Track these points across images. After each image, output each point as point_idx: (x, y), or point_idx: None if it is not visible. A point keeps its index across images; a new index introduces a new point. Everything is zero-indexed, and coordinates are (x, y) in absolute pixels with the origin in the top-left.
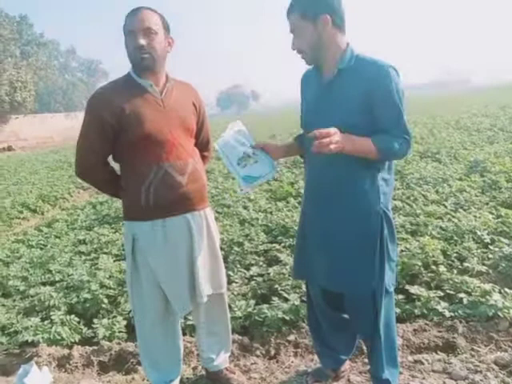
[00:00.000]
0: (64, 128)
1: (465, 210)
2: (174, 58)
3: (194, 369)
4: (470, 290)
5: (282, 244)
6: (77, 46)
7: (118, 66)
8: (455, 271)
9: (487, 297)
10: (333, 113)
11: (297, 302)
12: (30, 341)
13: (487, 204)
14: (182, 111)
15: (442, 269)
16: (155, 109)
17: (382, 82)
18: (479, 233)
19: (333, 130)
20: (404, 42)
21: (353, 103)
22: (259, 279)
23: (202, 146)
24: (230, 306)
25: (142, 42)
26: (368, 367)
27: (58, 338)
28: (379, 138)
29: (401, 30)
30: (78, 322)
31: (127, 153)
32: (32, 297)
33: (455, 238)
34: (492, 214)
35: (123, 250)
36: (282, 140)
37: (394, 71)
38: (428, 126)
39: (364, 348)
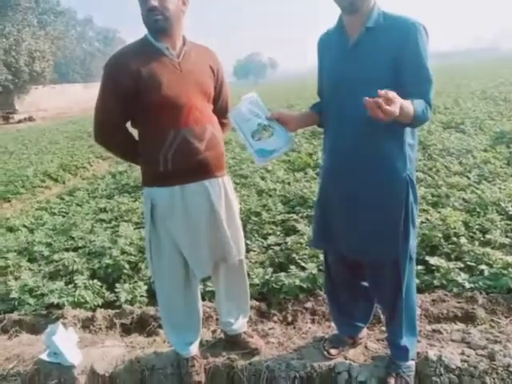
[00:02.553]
0: (83, 98)
1: (489, 182)
2: (188, 25)
3: (213, 332)
4: (491, 262)
5: (300, 214)
6: (94, 15)
7: (135, 34)
8: (477, 243)
9: (509, 269)
10: (361, 73)
11: (314, 271)
12: (55, 303)
13: None
14: (199, 75)
15: (463, 240)
16: (172, 72)
17: (413, 42)
18: (503, 205)
19: (395, 95)
20: (431, 9)
21: (382, 63)
22: (277, 248)
23: (221, 112)
24: (247, 274)
25: (154, 2)
26: (385, 335)
27: (82, 301)
28: (417, 102)
29: None
30: (101, 287)
31: (144, 118)
32: (56, 262)
33: (478, 209)
34: None
35: (143, 218)
36: (300, 110)
37: (423, 29)
38: (452, 96)
39: (381, 316)
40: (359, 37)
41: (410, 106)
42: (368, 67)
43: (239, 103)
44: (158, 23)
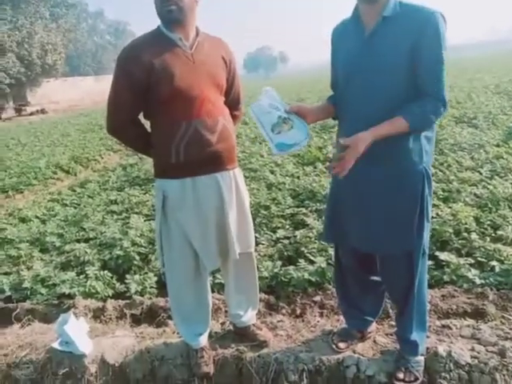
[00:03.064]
0: (94, 91)
1: (501, 178)
2: (200, 16)
3: (222, 324)
4: (502, 258)
5: (309, 208)
6: (104, 8)
7: (146, 26)
8: (488, 239)
9: None
10: (376, 66)
11: (323, 265)
12: (67, 293)
13: None
14: (212, 66)
15: (474, 236)
16: (185, 63)
17: (431, 32)
18: None
19: (355, 142)
20: (446, 0)
21: (399, 52)
22: (286, 242)
23: (233, 104)
24: (256, 267)
25: None
26: (394, 329)
27: (93, 291)
28: (411, 112)
29: None
30: (111, 278)
31: (157, 109)
32: (68, 252)
33: (490, 205)
34: None
35: (153, 210)
36: (311, 104)
37: (442, 18)
38: (465, 90)
39: (390, 311)
40: (375, 26)
41: (394, 124)
42: (384, 57)
43: (259, 96)
44: (172, 14)
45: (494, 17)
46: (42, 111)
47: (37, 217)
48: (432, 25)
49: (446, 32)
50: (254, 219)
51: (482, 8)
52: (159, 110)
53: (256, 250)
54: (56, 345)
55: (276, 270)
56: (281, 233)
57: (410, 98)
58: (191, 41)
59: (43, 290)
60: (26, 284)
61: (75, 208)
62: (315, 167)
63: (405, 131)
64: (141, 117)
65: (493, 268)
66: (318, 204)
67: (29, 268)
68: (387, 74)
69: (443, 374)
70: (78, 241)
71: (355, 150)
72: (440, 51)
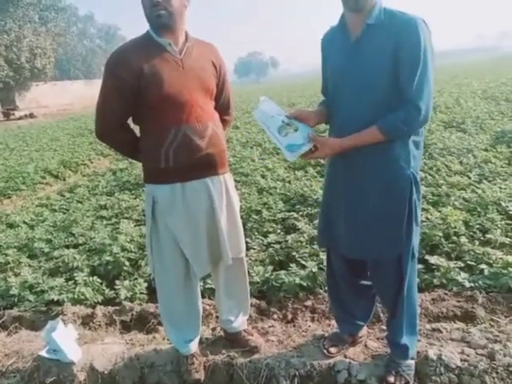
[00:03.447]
0: (84, 95)
1: (489, 182)
2: (189, 21)
3: (213, 330)
4: (491, 262)
5: (300, 213)
6: (95, 12)
7: (137, 30)
8: (477, 242)
9: (509, 268)
10: (362, 72)
11: (314, 269)
12: (55, 300)
13: None
14: (201, 72)
15: (463, 240)
16: (174, 69)
17: (411, 36)
18: (504, 204)
19: (322, 146)
20: (434, 5)
21: (383, 59)
22: (277, 246)
23: (223, 109)
24: (247, 272)
25: None
26: (385, 334)
27: (82, 297)
28: (385, 122)
29: None
30: (101, 284)
31: (146, 114)
32: (56, 258)
33: (478, 209)
34: None
35: (143, 215)
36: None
37: (423, 24)
38: (454, 95)
39: (381, 315)
40: (360, 34)
41: (368, 133)
42: (369, 64)
43: (258, 104)
44: (162, 19)
45: (479, 24)
46: (31, 115)
47: (25, 222)
48: (412, 30)
49: (431, 38)
50: (245, 224)
51: (468, 15)
52: (148, 115)
53: (247, 255)
54: (44, 353)
55: (267, 275)
56: (272, 237)
57: (394, 104)
58: (180, 46)
59: (31, 297)
60: (14, 291)
61: (64, 213)
62: (306, 172)
63: (380, 139)
64: (130, 122)
65: (482, 271)
66: (309, 208)
67: (16, 274)
68: (372, 81)
69: (434, 378)
70: (67, 246)
71: (320, 153)
72: (419, 57)
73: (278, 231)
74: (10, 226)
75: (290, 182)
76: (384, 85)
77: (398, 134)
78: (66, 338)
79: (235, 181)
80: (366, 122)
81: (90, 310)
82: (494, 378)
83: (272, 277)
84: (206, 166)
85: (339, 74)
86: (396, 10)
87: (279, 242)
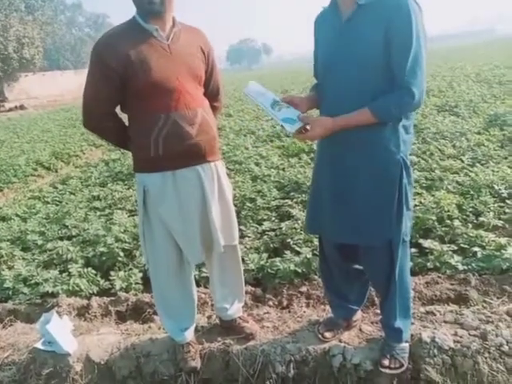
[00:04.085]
0: (74, 85)
1: (482, 165)
2: (180, 8)
3: (209, 318)
4: (484, 244)
5: (295, 200)
6: (82, 0)
7: (126, 18)
8: (470, 225)
9: (502, 250)
10: (352, 51)
11: (309, 255)
12: (50, 292)
13: (506, 158)
14: (189, 57)
15: (456, 223)
16: (161, 55)
17: (402, 19)
18: (496, 187)
19: (314, 125)
20: None
21: (374, 39)
22: (271, 234)
23: (212, 95)
24: (242, 259)
25: None
26: (379, 317)
27: (77, 289)
28: (377, 104)
29: None
30: (95, 275)
31: (134, 102)
32: (50, 251)
33: (471, 192)
34: (511, 168)
35: (137, 205)
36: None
37: (415, 5)
38: (447, 79)
39: (375, 299)
40: (351, 14)
41: (360, 114)
42: (360, 44)
43: (248, 84)
44: (154, 6)
45: (475, 7)
46: (21, 107)
47: (17, 215)
48: (403, 11)
49: (423, 19)
50: (239, 212)
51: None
52: (136, 102)
53: (242, 243)
54: (39, 345)
55: (262, 263)
56: (267, 225)
57: (384, 86)
58: (168, 31)
59: (25, 290)
60: (8, 284)
61: (57, 205)
62: (300, 158)
63: (372, 122)
64: (118, 110)
65: (475, 254)
66: (304, 195)
67: (10, 267)
68: (362, 60)
69: (427, 360)
70: (61, 238)
71: (313, 132)
72: (411, 40)
73: (273, 219)
74: (3, 219)
75: (283, 169)
76: (374, 65)
77: (390, 117)
78: (60, 330)
79: (229, 169)
80: (356, 102)
81: (85, 302)
82: (486, 358)
83: (267, 264)
84: (197, 153)
85: (329, 54)
86: None
87: (274, 230)
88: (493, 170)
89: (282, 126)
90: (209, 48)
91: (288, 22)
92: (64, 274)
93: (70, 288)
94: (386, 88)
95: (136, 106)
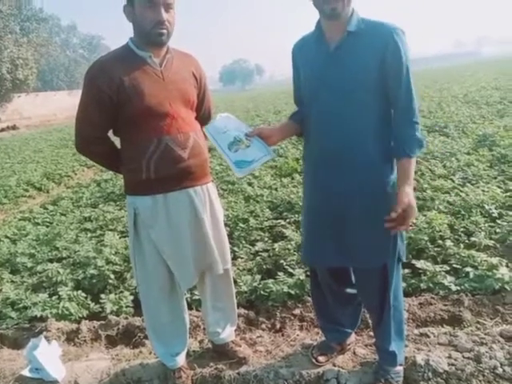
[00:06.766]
0: (67, 106)
1: (473, 185)
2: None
3: (201, 342)
4: (476, 264)
5: (288, 220)
6: (78, 22)
7: (120, 40)
8: (462, 245)
9: (494, 270)
10: (345, 75)
11: (302, 277)
12: (38, 316)
13: (495, 178)
14: (182, 83)
15: (448, 243)
16: (154, 81)
17: (394, 45)
18: (487, 207)
19: (405, 203)
20: (412, 13)
21: (365, 65)
22: (264, 255)
23: (204, 119)
24: (235, 281)
25: (166, 16)
26: (373, 340)
27: (66, 313)
28: (405, 148)
29: (408, 0)
30: (86, 298)
31: (127, 126)
32: (40, 273)
33: (462, 212)
34: (500, 188)
35: (128, 226)
36: (287, 115)
37: (402, 33)
38: (436, 100)
39: (369, 321)
40: (340, 41)
41: (405, 164)
42: (351, 69)
43: (214, 118)
44: (162, 38)
45: (458, 31)
46: (13, 127)
47: (7, 237)
48: (396, 40)
49: (413, 46)
50: (232, 233)
51: (446, 21)
52: (129, 126)
53: (235, 264)
54: (26, 372)
55: (255, 284)
56: (260, 245)
57: (377, 110)
58: (161, 58)
59: (13, 314)
60: None
61: (47, 226)
62: (293, 178)
63: (413, 164)
64: (110, 133)
65: (467, 274)
66: (297, 215)
67: None
68: (355, 88)
69: (422, 383)
70: (51, 260)
71: (410, 210)
72: (406, 63)
73: (266, 239)
74: None
75: (276, 189)
76: (367, 88)
77: (421, 145)
78: (48, 356)
79: (222, 189)
80: (348, 129)
81: (74, 326)
82: (480, 380)
83: (260, 286)
84: (189, 176)
85: (317, 83)
86: (374, 20)
87: (267, 250)
88: (483, 190)
89: (231, 167)
90: (200, 73)
91: (279, 43)
92: (53, 298)
93: (60, 312)
94: (376, 108)
95: (128, 130)
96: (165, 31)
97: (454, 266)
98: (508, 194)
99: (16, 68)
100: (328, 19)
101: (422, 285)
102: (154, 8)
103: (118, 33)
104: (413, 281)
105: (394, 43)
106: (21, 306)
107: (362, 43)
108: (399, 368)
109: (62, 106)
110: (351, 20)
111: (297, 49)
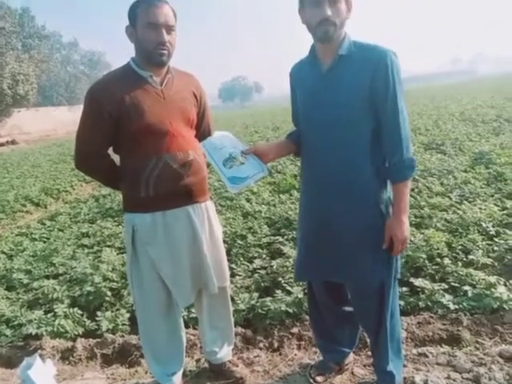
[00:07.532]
0: (67, 121)
1: (470, 202)
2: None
3: (197, 361)
4: (474, 283)
5: (286, 237)
6: (79, 38)
7: (121, 57)
8: (460, 264)
9: (492, 289)
10: (336, 97)
11: (300, 295)
12: (33, 333)
13: (492, 196)
14: (182, 102)
15: (446, 261)
16: (155, 100)
17: (385, 68)
18: (484, 225)
19: (398, 238)
20: (408, 32)
21: (356, 87)
22: (262, 272)
23: (203, 137)
24: (233, 299)
25: (167, 37)
26: (372, 360)
27: (62, 330)
28: (397, 174)
29: (405, 19)
30: (82, 315)
31: (127, 144)
32: (35, 290)
33: (460, 230)
34: (497, 205)
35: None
36: (285, 132)
37: (394, 56)
38: (433, 118)
39: (367, 341)
40: (332, 63)
41: (400, 191)
42: (342, 91)
43: (212, 135)
44: (163, 58)
45: (454, 47)
46: (13, 142)
47: (3, 252)
48: (386, 63)
49: (409, 64)
50: (230, 249)
51: (442, 39)
52: (129, 144)
53: (233, 282)
54: None
55: (253, 302)
56: (257, 263)
57: (369, 131)
58: (162, 77)
59: (8, 332)
60: None
61: (44, 242)
62: (291, 195)
63: (408, 186)
64: (110, 151)
65: (465, 293)
66: (294, 232)
67: None
68: (346, 109)
69: None
70: (47, 277)
71: (404, 243)
72: (393, 87)
73: (264, 256)
74: None
75: (274, 205)
76: (359, 106)
77: (413, 169)
78: (43, 376)
79: (220, 205)
80: (342, 151)
81: (70, 344)
82: None
83: (258, 304)
84: (187, 194)
85: (311, 104)
86: (366, 43)
87: (265, 268)
88: (480, 208)
89: (225, 183)
90: (201, 92)
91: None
92: (49, 315)
93: (55, 329)
94: (368, 128)
95: (128, 147)
96: (166, 52)
97: (452, 284)
98: (505, 211)
99: (17, 83)
100: (320, 42)
101: (420, 303)
102: (156, 30)
103: (119, 49)
104: (411, 299)
105: (384, 67)
106: (16, 323)
107: (353, 66)
108: None
109: (62, 121)
110: (343, 43)
111: (294, 71)
